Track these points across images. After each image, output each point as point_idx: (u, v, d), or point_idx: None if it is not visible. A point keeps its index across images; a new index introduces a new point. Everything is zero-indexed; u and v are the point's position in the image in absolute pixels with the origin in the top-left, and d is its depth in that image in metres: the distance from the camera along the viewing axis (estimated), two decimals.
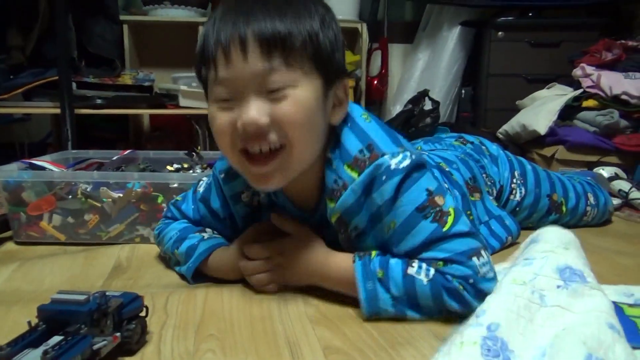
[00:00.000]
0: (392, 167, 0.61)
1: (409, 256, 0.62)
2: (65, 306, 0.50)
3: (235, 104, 0.59)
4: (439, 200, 0.62)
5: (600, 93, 1.63)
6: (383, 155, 0.62)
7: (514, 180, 1.00)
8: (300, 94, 0.59)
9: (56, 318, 0.49)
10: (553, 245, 0.60)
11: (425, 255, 0.61)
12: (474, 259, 0.59)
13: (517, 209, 1.01)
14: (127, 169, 1.11)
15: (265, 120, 0.58)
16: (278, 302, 0.67)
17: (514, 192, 1.00)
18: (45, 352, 0.43)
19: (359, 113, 0.68)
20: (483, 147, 1.02)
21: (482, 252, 0.61)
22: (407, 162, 0.62)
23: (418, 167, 0.63)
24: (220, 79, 0.59)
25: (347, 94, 0.66)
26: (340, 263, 0.65)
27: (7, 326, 0.60)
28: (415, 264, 0.61)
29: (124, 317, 0.53)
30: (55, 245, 0.94)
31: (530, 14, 2.14)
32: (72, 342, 0.46)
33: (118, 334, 0.51)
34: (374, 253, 0.64)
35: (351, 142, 0.64)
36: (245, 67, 0.57)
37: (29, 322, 0.49)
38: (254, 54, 0.57)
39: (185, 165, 1.14)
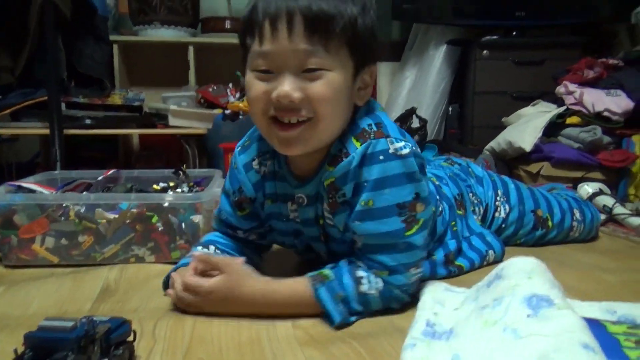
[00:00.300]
0: (390, 150, 0.66)
1: (363, 248, 0.69)
2: (52, 333, 0.49)
3: (272, 76, 0.64)
4: (419, 207, 0.68)
5: (583, 110, 1.67)
6: (387, 136, 0.67)
7: (498, 199, 1.03)
8: (333, 76, 0.63)
9: (43, 345, 0.49)
10: (517, 278, 0.62)
11: (377, 257, 0.68)
12: (412, 269, 0.70)
13: (503, 225, 1.03)
14: (114, 189, 1.11)
15: (298, 96, 0.63)
16: (267, 326, 0.67)
17: (498, 209, 1.02)
18: None
19: (377, 105, 0.75)
20: (469, 169, 1.06)
21: (420, 263, 0.71)
22: (406, 150, 0.67)
23: (421, 169, 0.69)
24: (263, 52, 0.63)
25: (373, 78, 0.71)
26: (291, 287, 0.69)
27: None
28: (364, 277, 0.67)
29: (112, 342, 0.53)
30: (43, 267, 0.94)
31: (514, 33, 2.19)
32: None
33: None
34: (328, 275, 0.68)
35: (363, 118, 0.70)
36: (289, 44, 0.62)
37: (15, 350, 0.49)
38: (299, 32, 0.61)
39: (172, 184, 1.15)
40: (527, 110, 1.89)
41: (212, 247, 0.81)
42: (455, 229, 0.90)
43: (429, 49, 2.35)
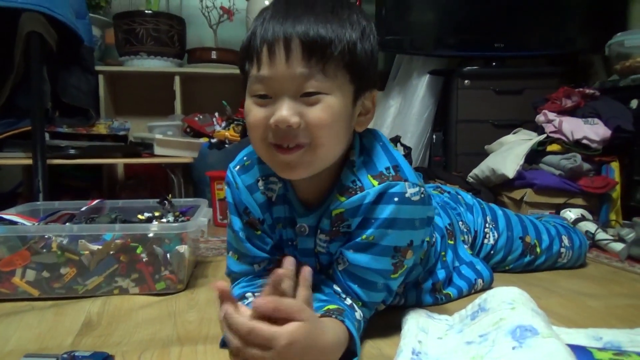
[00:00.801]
0: (407, 195, 0.67)
1: (344, 273, 0.70)
2: None
3: (270, 101, 0.63)
4: (408, 254, 0.70)
5: (563, 138, 1.71)
6: (405, 180, 0.68)
7: (487, 225, 1.04)
8: (332, 101, 0.63)
9: None
10: (500, 310, 0.64)
11: (354, 287, 0.70)
12: (377, 307, 0.73)
13: (492, 251, 1.04)
14: (98, 220, 1.09)
15: (296, 121, 0.62)
16: None
17: (487, 236, 1.04)
18: None
19: (387, 140, 0.74)
20: (459, 197, 1.07)
21: (387, 301, 0.75)
22: (417, 197, 0.68)
23: (429, 221, 0.72)
24: (261, 77, 0.63)
25: (374, 104, 0.70)
26: (334, 325, 0.61)
27: None
28: (353, 304, 0.69)
29: None
30: (23, 301, 0.91)
31: (493, 64, 2.26)
32: None
33: None
34: (339, 306, 0.66)
35: (381, 160, 0.70)
36: (286, 69, 0.61)
37: None
38: (296, 56, 0.61)
39: (157, 214, 1.14)
40: (509, 138, 1.93)
41: (249, 296, 0.72)
42: (444, 259, 0.90)
43: (412, 79, 2.40)
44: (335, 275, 0.71)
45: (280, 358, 0.52)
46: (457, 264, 0.93)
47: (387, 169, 0.69)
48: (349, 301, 0.69)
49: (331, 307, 0.65)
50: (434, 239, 0.87)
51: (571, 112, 1.76)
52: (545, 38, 2.25)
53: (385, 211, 0.66)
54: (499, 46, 2.21)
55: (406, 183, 0.67)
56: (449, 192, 1.09)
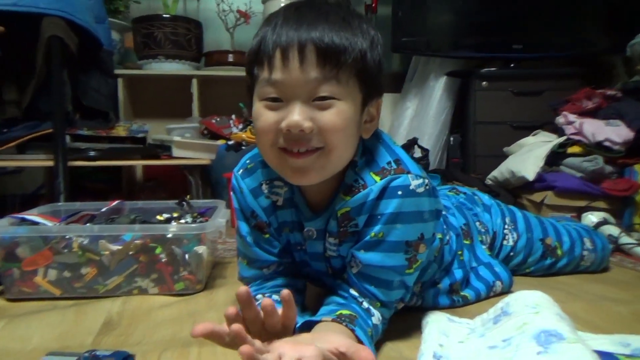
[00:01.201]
0: (411, 187, 0.66)
1: (358, 276, 0.69)
2: None
3: (281, 105, 0.63)
4: (421, 248, 0.69)
5: (584, 140, 1.68)
6: (408, 172, 0.67)
7: (506, 226, 1.03)
8: (343, 105, 0.63)
9: None
10: (524, 314, 0.63)
11: (371, 289, 0.69)
12: (396, 305, 0.72)
13: (512, 253, 1.03)
14: (117, 220, 1.10)
15: (309, 125, 0.61)
16: None
17: (506, 237, 1.02)
18: None
19: (389, 137, 0.75)
20: (476, 197, 1.06)
21: (406, 298, 0.73)
22: (422, 189, 0.67)
23: (437, 214, 0.71)
24: (273, 80, 0.62)
25: (378, 112, 0.71)
26: (345, 335, 0.61)
27: None
28: (370, 309, 0.68)
29: None
30: (45, 300, 0.92)
31: (512, 65, 2.23)
32: None
33: None
34: (352, 313, 0.65)
35: (381, 156, 0.70)
36: (300, 73, 0.61)
37: None
38: (311, 62, 0.61)
39: (176, 215, 1.14)
40: (528, 139, 1.90)
41: (260, 298, 0.74)
42: (462, 258, 0.89)
43: (429, 80, 2.39)
44: (350, 279, 0.71)
45: None
46: (474, 264, 0.92)
47: (389, 163, 0.69)
48: (365, 305, 0.68)
49: (344, 312, 0.65)
50: (447, 237, 0.86)
51: (592, 114, 1.73)
52: (565, 39, 2.22)
53: (390, 206, 0.66)
54: (518, 47, 2.19)
55: (409, 175, 0.67)
56: (465, 193, 1.07)
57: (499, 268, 0.93)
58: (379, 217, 0.67)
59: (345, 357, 0.54)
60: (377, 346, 0.69)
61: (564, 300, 0.88)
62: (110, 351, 0.54)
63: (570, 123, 1.73)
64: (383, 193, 0.67)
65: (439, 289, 0.85)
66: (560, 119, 1.79)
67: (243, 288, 0.55)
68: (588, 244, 1.09)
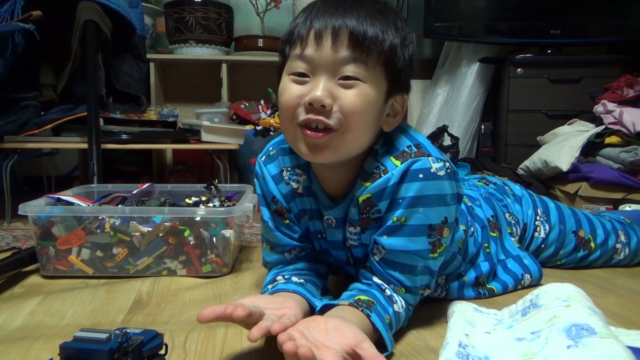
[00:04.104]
0: (432, 170, 0.66)
1: (382, 263, 0.68)
2: (87, 344, 0.50)
3: (307, 80, 0.65)
4: (445, 232, 0.69)
5: (623, 130, 1.61)
6: (429, 155, 0.67)
7: (537, 218, 1.00)
8: (367, 88, 0.64)
9: (78, 356, 0.50)
10: (554, 307, 0.61)
11: (395, 274, 0.68)
12: (422, 291, 0.71)
13: (543, 245, 1.00)
14: (148, 202, 1.13)
15: (330, 102, 0.63)
16: None
17: (538, 229, 1.00)
18: None
19: (408, 125, 0.74)
20: (506, 187, 1.04)
21: (431, 284, 0.72)
22: (443, 172, 0.66)
23: (459, 198, 0.70)
24: (304, 56, 0.64)
25: (404, 108, 0.70)
26: (358, 319, 0.62)
27: None
28: (393, 296, 0.68)
29: (144, 355, 0.53)
30: (78, 279, 0.96)
31: (549, 51, 2.16)
32: None
33: None
34: (370, 299, 0.65)
35: (401, 141, 0.70)
36: (331, 51, 0.63)
37: None
38: (342, 43, 0.63)
39: (204, 198, 1.16)
40: (564, 129, 1.85)
41: (280, 280, 0.75)
42: (488, 250, 0.88)
43: (461, 67, 2.33)
44: (373, 266, 0.70)
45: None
46: (502, 257, 0.90)
47: (409, 147, 0.68)
48: (388, 292, 0.68)
49: (362, 297, 0.65)
50: (472, 229, 0.85)
51: (633, 103, 1.66)
52: (605, 24, 2.13)
53: (412, 189, 0.65)
54: (556, 33, 2.11)
55: (430, 158, 0.66)
56: (494, 184, 1.05)
57: (529, 261, 0.91)
58: (400, 201, 0.66)
59: (360, 358, 0.55)
60: (402, 334, 0.69)
61: (596, 294, 0.86)
62: (140, 329, 0.55)
63: (609, 112, 1.67)
64: (404, 177, 0.66)
65: (464, 281, 0.83)
66: (598, 108, 1.72)
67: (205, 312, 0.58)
68: (622, 237, 1.05)
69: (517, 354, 0.58)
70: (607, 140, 1.65)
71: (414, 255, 0.67)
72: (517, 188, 1.05)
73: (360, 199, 0.69)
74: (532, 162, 1.78)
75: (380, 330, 0.62)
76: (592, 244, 1.03)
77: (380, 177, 0.67)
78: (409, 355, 0.63)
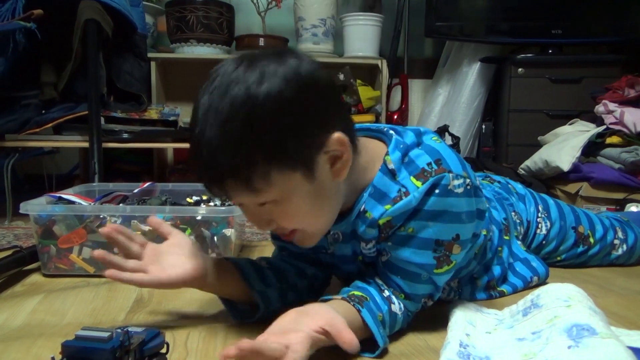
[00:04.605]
0: (449, 186, 0.64)
1: (386, 265, 0.68)
2: (88, 343, 0.50)
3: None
4: (455, 249, 0.66)
5: (625, 130, 1.61)
6: (449, 171, 0.64)
7: (539, 215, 1.01)
8: (284, 205, 0.61)
9: (80, 355, 0.50)
10: (555, 308, 0.61)
11: (396, 279, 0.67)
12: (425, 300, 0.70)
13: (544, 242, 1.01)
14: (149, 201, 1.13)
15: (268, 227, 0.65)
16: None
17: (539, 225, 1.00)
18: None
19: (429, 137, 0.70)
20: (510, 186, 1.03)
21: (435, 296, 0.71)
22: (461, 189, 0.64)
23: (479, 214, 0.69)
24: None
25: (342, 143, 0.61)
26: (345, 310, 0.62)
27: None
28: (392, 297, 0.67)
29: (145, 354, 0.53)
30: (79, 277, 0.96)
31: (550, 51, 2.16)
32: None
33: None
34: (364, 295, 0.65)
35: (421, 157, 0.66)
36: (234, 199, 0.63)
37: (53, 358, 0.50)
38: (229, 193, 0.60)
39: (205, 197, 1.16)
40: (565, 129, 1.85)
41: (263, 262, 0.77)
42: (501, 254, 0.87)
43: (462, 66, 2.33)
44: (378, 267, 0.70)
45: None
46: (511, 260, 0.90)
47: (429, 164, 0.64)
48: (387, 293, 0.67)
49: (356, 293, 0.65)
50: (491, 233, 0.84)
51: (634, 103, 1.66)
52: (606, 24, 2.13)
53: (425, 203, 0.63)
54: (557, 32, 2.11)
55: (450, 174, 0.64)
56: (499, 182, 1.05)
57: (536, 263, 0.92)
58: (413, 213, 0.65)
59: (330, 336, 0.55)
60: (403, 334, 0.69)
61: (596, 294, 0.86)
62: (142, 328, 0.55)
63: (610, 112, 1.67)
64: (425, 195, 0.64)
65: (477, 285, 0.83)
66: (599, 108, 1.72)
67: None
68: (620, 233, 1.06)
69: (517, 354, 0.58)
70: (608, 140, 1.65)
71: (417, 267, 0.66)
72: (519, 186, 1.05)
73: (381, 222, 0.66)
74: (533, 161, 1.78)
75: (369, 324, 0.61)
76: (591, 239, 1.03)
77: (402, 199, 0.64)
78: (409, 355, 0.63)
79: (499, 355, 0.60)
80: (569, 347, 0.53)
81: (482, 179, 1.05)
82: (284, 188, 0.59)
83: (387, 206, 0.65)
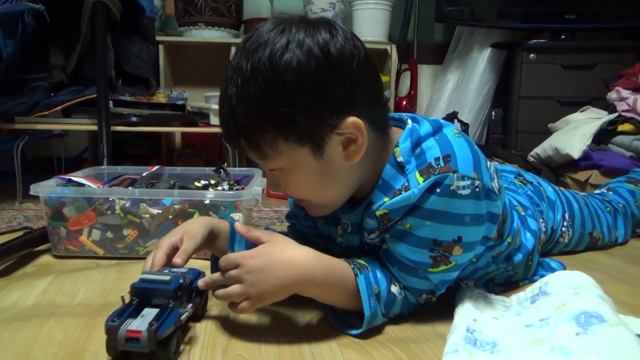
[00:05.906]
0: (452, 187, 0.61)
1: (386, 254, 0.67)
2: (154, 284, 0.59)
3: None
4: (456, 250, 0.64)
5: (637, 117, 1.59)
6: (455, 171, 0.61)
7: (564, 224, 1.00)
8: (290, 175, 0.64)
9: (146, 294, 0.59)
10: (564, 295, 0.61)
11: (394, 270, 0.66)
12: (423, 295, 0.68)
13: (564, 249, 1.03)
14: (157, 185, 1.13)
15: (277, 190, 0.67)
16: (306, 326, 0.67)
17: (564, 235, 1.00)
18: (150, 324, 0.52)
19: (449, 128, 0.67)
20: (541, 189, 1.00)
21: (436, 293, 0.69)
22: (467, 191, 0.61)
23: (490, 217, 0.67)
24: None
25: (357, 128, 0.60)
26: (341, 264, 0.64)
27: (42, 340, 0.61)
28: (393, 278, 0.67)
29: (193, 291, 0.64)
30: (89, 259, 0.97)
31: (562, 37, 2.12)
32: (167, 314, 0.56)
33: (191, 305, 0.62)
34: (366, 264, 0.65)
35: (432, 149, 0.63)
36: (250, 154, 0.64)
37: (122, 298, 0.60)
38: (244, 149, 0.63)
39: (213, 182, 1.17)
40: (576, 116, 1.82)
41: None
42: (530, 263, 0.84)
43: (473, 52, 2.30)
44: (382, 253, 0.69)
45: (251, 273, 0.59)
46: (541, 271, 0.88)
47: (437, 159, 0.62)
48: (390, 275, 0.67)
49: (360, 261, 0.65)
50: (518, 241, 0.80)
51: None
52: (621, 9, 2.09)
53: (425, 201, 0.62)
54: (570, 17, 2.08)
55: (455, 174, 0.61)
56: (531, 183, 1.00)
57: (555, 263, 0.90)
58: (412, 210, 0.63)
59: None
60: (409, 320, 0.69)
61: (605, 282, 0.85)
62: (186, 269, 0.65)
63: (623, 99, 1.65)
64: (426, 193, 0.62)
65: (494, 284, 0.81)
66: (612, 95, 1.70)
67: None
68: (620, 230, 1.11)
69: (525, 339, 0.58)
70: (620, 127, 1.64)
71: (412, 264, 0.65)
72: (550, 190, 1.01)
73: (378, 213, 0.65)
74: (543, 149, 1.76)
75: (360, 290, 0.61)
76: (600, 242, 1.07)
77: (402, 193, 0.62)
78: (416, 340, 0.63)
79: (506, 340, 0.60)
80: (577, 334, 0.53)
81: (515, 178, 1.01)
82: (291, 159, 0.61)
83: (386, 198, 0.64)
